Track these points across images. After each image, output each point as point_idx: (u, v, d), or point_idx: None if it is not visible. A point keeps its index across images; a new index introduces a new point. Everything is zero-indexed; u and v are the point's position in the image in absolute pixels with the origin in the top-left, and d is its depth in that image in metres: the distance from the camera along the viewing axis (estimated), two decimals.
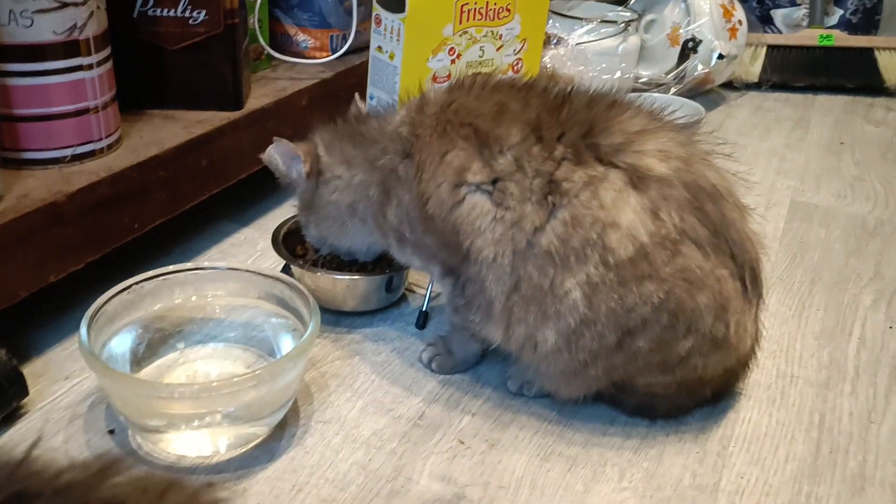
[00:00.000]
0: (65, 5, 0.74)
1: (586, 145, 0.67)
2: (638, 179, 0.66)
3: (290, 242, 0.89)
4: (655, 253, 0.65)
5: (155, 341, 0.74)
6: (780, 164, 1.33)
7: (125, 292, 0.71)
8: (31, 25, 0.73)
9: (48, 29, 0.74)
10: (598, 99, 0.71)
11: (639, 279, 0.66)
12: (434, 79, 0.97)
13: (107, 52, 0.80)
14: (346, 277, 0.84)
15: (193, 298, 0.75)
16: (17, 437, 0.68)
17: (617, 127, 0.68)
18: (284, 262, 0.86)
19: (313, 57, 1.13)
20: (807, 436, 0.74)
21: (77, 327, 0.81)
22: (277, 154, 0.79)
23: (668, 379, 0.71)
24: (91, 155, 0.81)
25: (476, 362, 0.80)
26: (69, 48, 0.76)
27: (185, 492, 0.31)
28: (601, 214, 0.65)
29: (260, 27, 1.07)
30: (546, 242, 0.66)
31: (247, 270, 0.76)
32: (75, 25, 0.75)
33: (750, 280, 0.70)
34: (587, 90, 0.72)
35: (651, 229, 0.65)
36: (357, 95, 0.86)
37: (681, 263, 0.66)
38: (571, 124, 0.68)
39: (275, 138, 0.79)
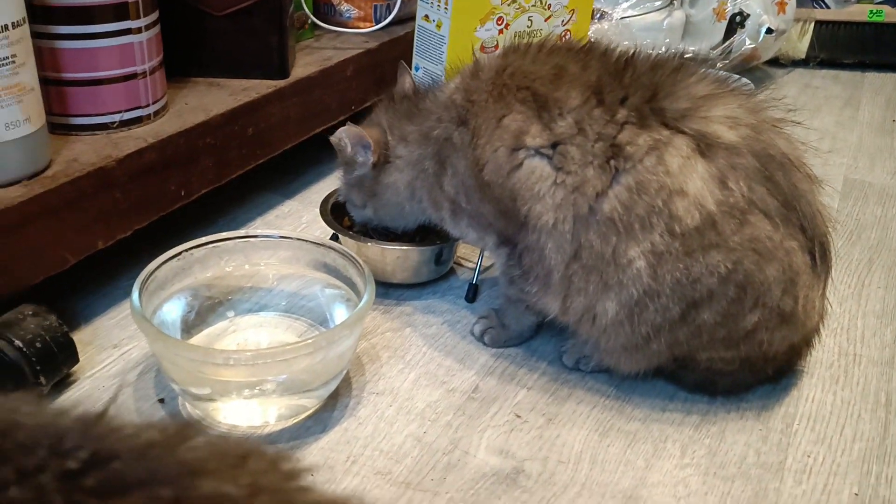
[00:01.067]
0: None
1: (651, 109, 0.65)
2: (705, 146, 0.64)
3: (337, 213, 0.87)
4: (723, 222, 0.63)
5: (204, 309, 0.73)
6: (832, 143, 1.30)
7: (175, 259, 0.70)
8: None
9: None
10: (663, 63, 0.68)
11: (705, 249, 0.63)
12: (482, 49, 0.95)
13: (155, 15, 0.79)
14: (397, 248, 0.82)
15: (246, 267, 0.74)
16: (68, 404, 0.67)
17: (683, 91, 0.65)
18: (333, 232, 0.84)
19: (357, 27, 1.11)
20: (873, 415, 0.72)
21: (124, 296, 0.80)
22: (348, 139, 0.77)
23: (732, 354, 0.69)
24: (138, 121, 0.79)
25: (530, 336, 0.78)
26: (118, 11, 0.74)
27: (265, 458, 0.29)
28: (667, 181, 0.63)
29: None
30: (609, 209, 0.64)
31: (298, 239, 0.74)
32: None
33: (819, 255, 0.68)
34: (650, 54, 0.70)
35: (719, 198, 0.63)
36: (402, 63, 0.84)
37: (749, 233, 0.63)
38: (635, 88, 0.66)
39: (348, 123, 0.77)
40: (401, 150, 0.76)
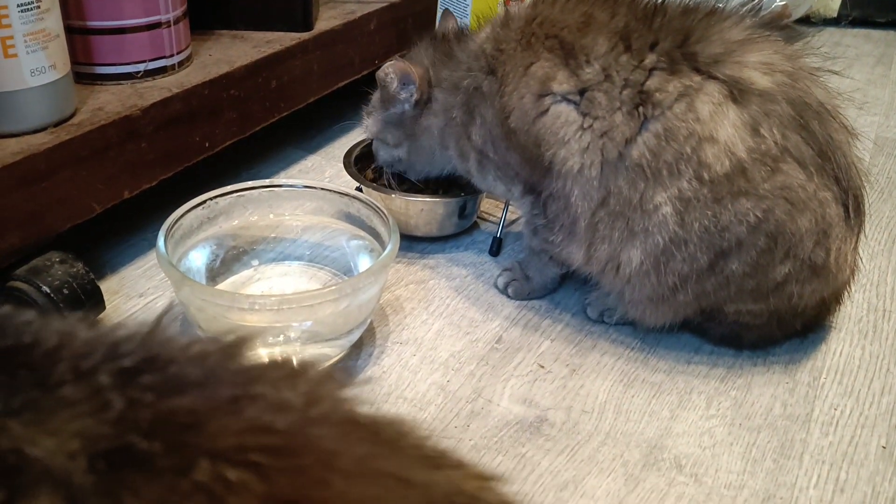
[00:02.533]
0: None
1: (682, 54, 0.63)
2: (738, 92, 0.62)
3: (361, 166, 0.87)
4: (754, 169, 0.62)
5: (229, 258, 0.73)
6: (863, 100, 1.27)
7: (201, 207, 0.70)
8: None
9: None
10: (695, 8, 0.67)
11: (734, 195, 0.62)
12: (507, 2, 0.93)
13: None
14: (421, 200, 0.81)
15: (271, 216, 0.74)
16: None
17: (716, 36, 0.64)
18: (357, 184, 0.84)
19: None
20: None
21: (149, 247, 0.81)
22: (395, 73, 0.76)
23: (761, 307, 0.68)
24: (163, 71, 0.79)
25: (554, 288, 0.78)
26: None
27: (320, 371, 0.30)
28: (697, 128, 0.62)
29: None
30: (637, 155, 0.63)
31: (323, 189, 0.74)
32: None
33: (853, 207, 0.67)
34: (679, 1, 0.68)
35: (750, 145, 0.62)
36: (447, 9, 0.83)
37: (781, 181, 0.62)
38: (665, 33, 0.65)
39: (395, 57, 0.77)
40: (437, 94, 0.75)
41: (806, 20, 1.56)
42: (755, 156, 0.62)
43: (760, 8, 1.47)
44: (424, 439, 0.28)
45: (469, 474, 0.28)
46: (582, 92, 0.65)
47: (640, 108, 0.63)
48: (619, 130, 0.64)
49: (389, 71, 0.77)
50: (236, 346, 0.28)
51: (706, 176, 0.62)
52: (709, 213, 0.63)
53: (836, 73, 0.67)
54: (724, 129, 0.62)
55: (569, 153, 0.66)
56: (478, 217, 0.89)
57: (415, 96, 0.76)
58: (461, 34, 0.77)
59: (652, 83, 0.63)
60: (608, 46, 0.65)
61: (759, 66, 0.63)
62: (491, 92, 0.70)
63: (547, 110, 0.67)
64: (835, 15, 1.57)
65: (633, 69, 0.64)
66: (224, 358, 0.28)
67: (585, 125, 0.65)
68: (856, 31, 1.58)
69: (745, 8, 1.50)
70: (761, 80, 0.63)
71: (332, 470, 0.24)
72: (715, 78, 0.63)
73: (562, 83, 0.66)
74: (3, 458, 0.22)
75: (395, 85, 0.76)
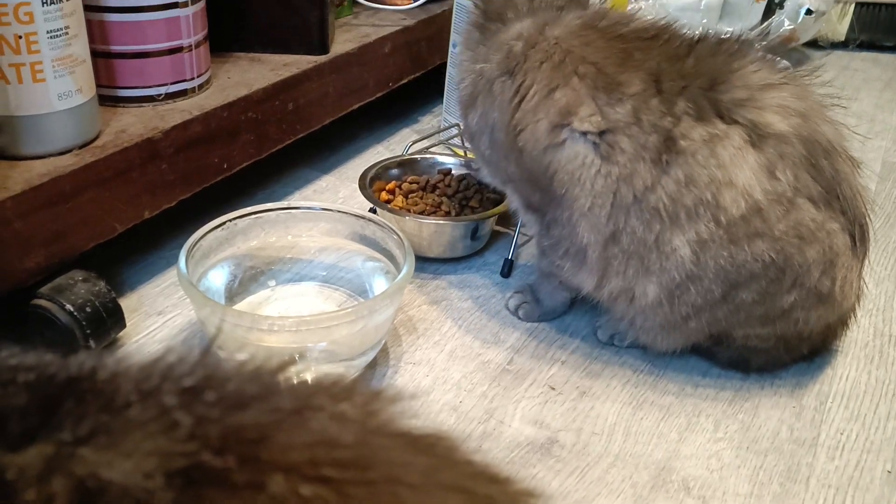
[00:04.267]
0: None
1: (708, 99, 0.64)
2: (757, 137, 0.63)
3: (375, 186, 0.88)
4: (769, 210, 0.63)
5: (247, 278, 0.75)
6: (871, 126, 1.28)
7: (219, 228, 0.72)
8: None
9: None
10: (723, 49, 0.67)
11: (751, 237, 0.63)
12: None
13: None
14: (433, 222, 0.83)
15: (288, 238, 0.75)
16: None
17: (740, 81, 0.64)
18: (371, 206, 0.85)
19: (395, 4, 1.12)
20: None
21: (168, 265, 0.82)
22: None
23: (768, 331, 0.69)
24: (183, 94, 0.81)
25: (563, 312, 0.79)
26: None
27: (369, 387, 0.31)
28: (718, 174, 0.63)
29: None
30: (655, 199, 0.64)
31: (339, 211, 0.76)
32: None
33: (859, 236, 0.68)
34: (712, 38, 0.68)
35: (766, 188, 0.63)
36: None
37: (794, 218, 0.63)
38: (694, 76, 0.65)
39: None
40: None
41: (814, 43, 1.58)
42: (771, 197, 0.63)
43: (769, 32, 1.49)
44: (473, 453, 0.29)
45: (520, 489, 0.29)
46: (603, 133, 0.65)
47: (664, 156, 0.64)
48: (639, 177, 0.64)
49: None
50: (286, 364, 0.29)
51: (723, 219, 0.63)
52: (725, 253, 0.64)
53: (843, 107, 0.68)
54: (743, 174, 0.63)
55: (582, 192, 0.66)
56: (490, 239, 0.90)
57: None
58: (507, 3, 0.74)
59: (679, 130, 0.63)
60: (641, 87, 0.65)
61: (777, 109, 0.64)
62: (503, 96, 0.69)
63: (563, 143, 0.67)
64: (843, 39, 1.59)
65: (663, 115, 0.64)
66: (277, 373, 0.29)
67: (604, 170, 0.65)
68: (864, 54, 1.59)
69: (754, 32, 1.52)
70: (779, 124, 0.64)
71: (400, 483, 0.25)
72: (736, 122, 0.64)
73: (583, 120, 0.66)
74: (82, 484, 0.23)
75: None
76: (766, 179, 0.63)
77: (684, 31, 0.69)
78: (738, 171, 0.63)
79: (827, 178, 0.65)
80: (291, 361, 0.29)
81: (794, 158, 0.64)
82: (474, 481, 0.29)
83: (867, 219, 0.69)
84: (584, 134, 0.66)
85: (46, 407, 0.27)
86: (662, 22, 0.70)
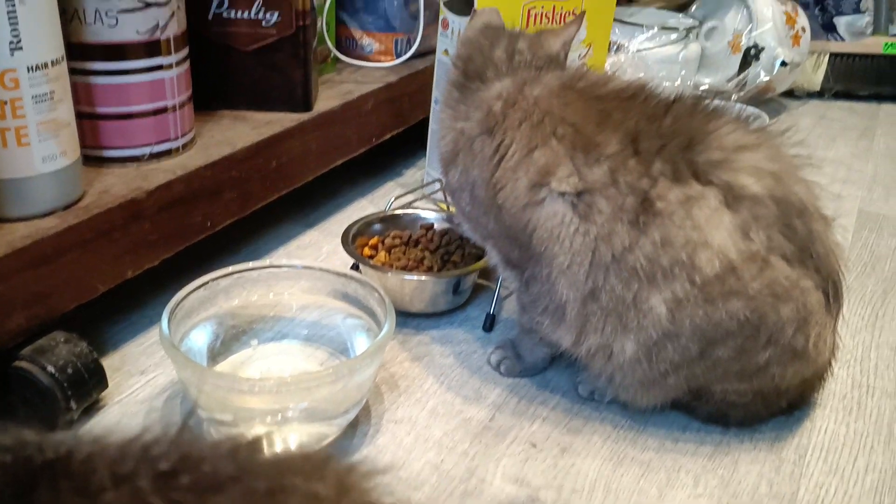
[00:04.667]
0: (148, 5, 0.75)
1: (685, 160, 0.65)
2: (732, 198, 0.65)
3: (358, 242, 0.89)
4: (744, 269, 0.64)
5: (229, 337, 0.75)
6: (847, 174, 1.31)
7: (202, 288, 0.72)
8: (116, 25, 0.74)
9: (131, 28, 0.75)
10: (699, 109, 0.69)
11: (726, 296, 0.64)
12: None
13: (185, 52, 0.82)
14: (415, 278, 0.84)
15: (271, 296, 0.76)
16: (98, 429, 0.69)
17: (715, 142, 0.66)
18: (353, 262, 0.86)
19: (378, 61, 1.14)
20: (886, 447, 0.72)
21: (150, 324, 0.83)
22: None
23: (746, 387, 0.70)
24: (168, 153, 0.82)
25: (544, 367, 0.80)
26: (150, 48, 0.77)
27: (343, 462, 0.31)
28: (694, 235, 0.64)
29: (327, 30, 1.08)
30: (633, 260, 0.65)
31: (321, 269, 0.76)
32: (157, 25, 0.76)
33: (832, 293, 0.69)
34: (688, 98, 0.70)
35: (741, 248, 0.64)
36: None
37: (769, 277, 0.65)
38: (671, 137, 0.66)
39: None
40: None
41: (790, 93, 1.61)
42: (745, 257, 0.64)
43: (746, 83, 1.52)
44: None
45: None
46: (581, 194, 0.66)
47: (642, 218, 0.65)
48: (618, 238, 0.65)
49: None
50: (259, 441, 0.30)
51: (698, 279, 0.64)
52: (701, 312, 0.65)
53: (815, 165, 0.70)
54: (718, 234, 0.64)
55: (561, 250, 0.67)
56: (472, 294, 0.91)
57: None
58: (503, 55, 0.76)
59: (656, 192, 0.65)
60: (619, 147, 0.66)
61: (751, 170, 0.65)
62: (483, 154, 0.71)
63: (542, 202, 0.68)
64: (818, 88, 1.63)
65: (640, 176, 0.65)
66: (253, 451, 0.29)
67: (581, 229, 0.66)
68: (839, 103, 1.63)
69: (731, 83, 1.55)
70: (753, 186, 0.65)
71: None
72: (712, 183, 0.65)
73: (561, 181, 0.67)
74: None
75: None
76: (741, 240, 0.64)
77: (660, 90, 0.71)
78: (713, 231, 0.64)
79: (800, 237, 0.66)
80: (269, 437, 0.29)
81: (768, 219, 0.65)
82: None
83: (840, 276, 0.70)
84: (563, 194, 0.67)
85: (20, 493, 0.28)
86: (639, 81, 0.72)
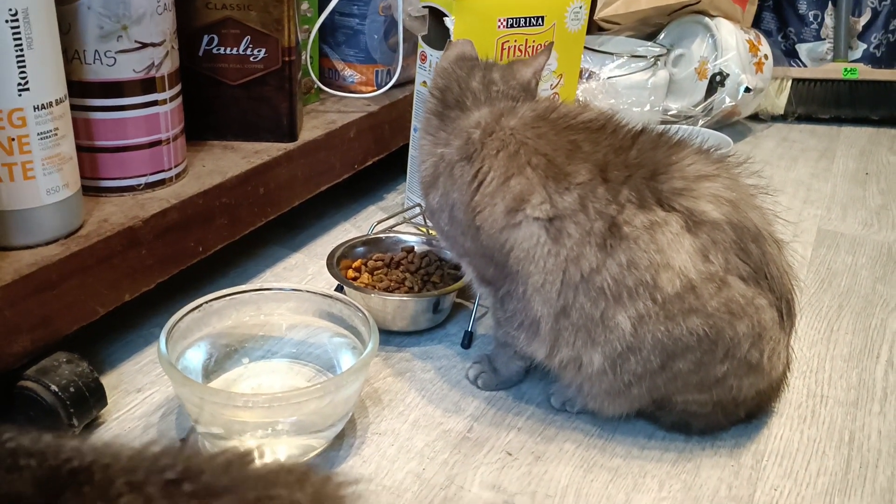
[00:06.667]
0: (144, 46, 0.80)
1: (649, 188, 0.71)
2: (693, 224, 0.70)
3: (342, 265, 0.94)
4: (703, 287, 0.69)
5: (222, 356, 0.80)
6: (807, 194, 1.37)
7: (196, 310, 0.77)
8: (114, 64, 0.79)
9: (129, 67, 0.80)
10: (663, 141, 0.74)
11: (686, 313, 0.70)
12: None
13: (178, 88, 0.87)
14: (397, 298, 0.89)
15: (261, 317, 0.81)
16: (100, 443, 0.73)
17: (678, 172, 0.72)
18: (338, 283, 0.91)
19: (359, 91, 1.20)
20: (837, 452, 0.78)
21: (145, 344, 0.87)
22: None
23: (705, 397, 0.75)
24: (162, 183, 0.87)
25: (519, 380, 0.85)
26: (146, 85, 0.82)
27: (321, 474, 0.37)
28: (657, 258, 0.69)
29: (311, 62, 1.13)
30: (600, 280, 0.70)
31: (308, 291, 0.81)
32: (153, 64, 0.81)
33: (786, 311, 0.74)
34: (653, 130, 0.76)
35: (700, 269, 0.70)
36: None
37: (726, 296, 0.70)
38: (637, 166, 0.72)
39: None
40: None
41: (755, 117, 1.68)
42: (704, 277, 0.70)
43: (712, 108, 1.59)
44: None
45: None
46: (552, 219, 0.71)
47: (609, 241, 0.70)
48: (586, 260, 0.70)
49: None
50: (251, 454, 0.35)
51: (660, 297, 0.69)
52: (662, 328, 0.70)
53: (770, 195, 0.76)
54: (679, 257, 0.69)
55: (535, 269, 0.72)
56: (451, 312, 0.96)
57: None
58: (467, 87, 0.81)
59: (623, 217, 0.70)
60: (588, 177, 0.71)
61: (711, 198, 0.71)
62: (462, 180, 0.75)
63: (519, 224, 0.73)
64: (782, 112, 1.70)
65: (608, 203, 0.70)
66: (244, 464, 0.35)
67: (553, 251, 0.71)
68: (801, 126, 1.70)
69: (699, 108, 1.61)
70: (712, 212, 0.70)
71: None
72: (674, 209, 0.70)
73: (535, 208, 0.72)
74: None
75: None
76: (701, 262, 0.70)
77: (626, 121, 0.77)
78: (674, 254, 0.70)
79: (755, 259, 0.72)
80: (260, 450, 0.35)
81: (726, 243, 0.71)
82: None
83: (793, 295, 0.76)
84: (537, 219, 0.72)
85: (48, 495, 0.33)
86: (607, 113, 0.78)
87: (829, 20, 1.78)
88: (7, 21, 0.66)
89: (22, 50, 0.67)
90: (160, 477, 0.32)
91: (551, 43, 0.92)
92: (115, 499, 0.31)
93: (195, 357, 0.77)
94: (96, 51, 0.78)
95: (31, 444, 0.36)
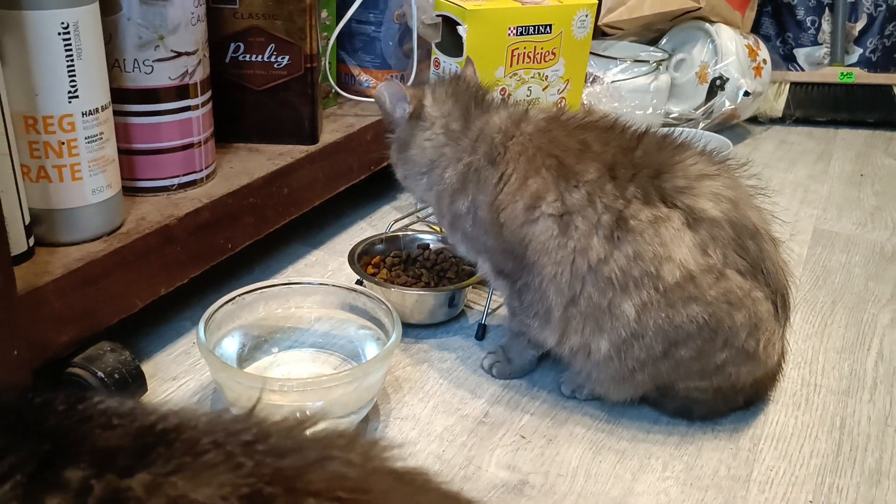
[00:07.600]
0: (179, 55, 0.85)
1: (654, 186, 0.76)
2: (693, 220, 0.76)
3: (362, 261, 1.00)
4: (702, 278, 0.75)
5: (253, 346, 0.85)
6: (804, 195, 1.43)
7: (230, 303, 0.82)
8: (151, 72, 0.84)
9: (164, 75, 0.85)
10: (667, 143, 0.80)
11: (686, 301, 0.75)
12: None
13: (209, 94, 0.92)
14: (415, 292, 0.94)
15: (291, 309, 0.86)
16: None
17: (680, 171, 0.77)
18: (358, 278, 0.96)
19: None
20: (829, 436, 0.83)
21: (177, 335, 0.93)
22: (387, 92, 0.88)
23: (706, 384, 0.80)
24: (194, 184, 0.92)
25: (532, 369, 0.90)
26: (180, 91, 0.87)
27: (367, 438, 0.43)
28: (660, 251, 0.75)
29: (329, 68, 1.19)
30: (608, 271, 0.76)
31: (333, 285, 0.86)
32: (186, 72, 0.87)
33: (780, 304, 0.80)
34: (656, 132, 0.82)
35: (700, 262, 0.75)
36: (469, 58, 0.93)
37: (724, 286, 0.75)
38: (643, 166, 0.77)
39: (387, 77, 0.88)
40: (437, 128, 0.86)
41: (754, 119, 1.73)
42: (703, 269, 0.75)
43: (712, 111, 1.64)
44: (445, 483, 0.41)
45: None
46: (563, 215, 0.77)
47: (616, 233, 0.76)
48: (593, 251, 0.76)
49: (381, 90, 0.88)
50: (307, 421, 0.40)
51: (661, 287, 0.75)
52: (663, 314, 0.75)
53: (767, 196, 0.81)
54: (680, 251, 0.75)
55: (549, 260, 0.78)
56: (465, 306, 1.01)
57: (408, 110, 0.87)
58: (481, 96, 0.87)
59: (629, 211, 0.76)
60: (597, 175, 0.77)
61: (711, 196, 0.76)
62: (488, 182, 0.81)
63: (537, 220, 0.78)
64: (780, 115, 1.75)
65: (616, 198, 0.76)
66: (303, 430, 0.40)
67: (562, 243, 0.77)
68: (799, 128, 1.75)
69: (699, 111, 1.66)
70: (712, 210, 0.76)
71: (388, 501, 0.36)
72: (676, 206, 0.76)
73: (549, 205, 0.77)
74: (175, 502, 0.34)
75: (387, 103, 0.88)
76: (700, 256, 0.75)
77: (631, 124, 0.82)
78: (676, 248, 0.75)
79: (752, 255, 0.77)
80: (314, 420, 0.40)
81: (724, 239, 0.76)
82: (445, 501, 0.40)
83: (787, 290, 0.81)
84: (551, 215, 0.78)
85: (142, 449, 0.38)
86: (612, 116, 0.84)
87: (826, 25, 1.83)
88: (59, 34, 0.71)
89: (72, 60, 0.72)
90: (237, 438, 0.38)
91: (469, 58, 0.98)
92: (201, 454, 0.36)
93: (230, 346, 0.82)
94: (135, 59, 0.83)
95: (119, 406, 0.41)
